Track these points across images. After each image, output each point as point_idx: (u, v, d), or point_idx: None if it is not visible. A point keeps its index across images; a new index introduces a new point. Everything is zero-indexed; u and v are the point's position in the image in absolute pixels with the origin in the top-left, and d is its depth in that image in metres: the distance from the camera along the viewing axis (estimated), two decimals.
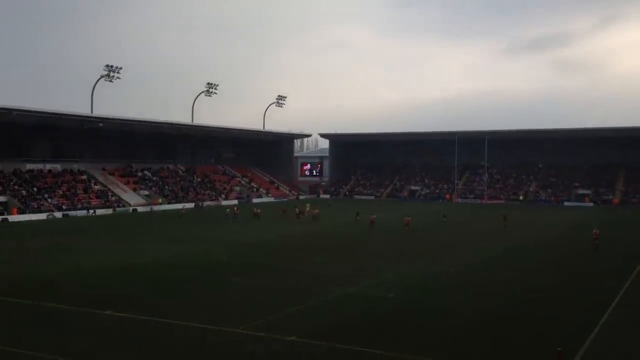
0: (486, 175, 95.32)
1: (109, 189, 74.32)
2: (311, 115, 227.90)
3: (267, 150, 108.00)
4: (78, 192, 70.18)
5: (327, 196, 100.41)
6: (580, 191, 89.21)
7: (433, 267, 30.95)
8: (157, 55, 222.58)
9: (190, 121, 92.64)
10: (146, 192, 77.69)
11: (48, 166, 73.21)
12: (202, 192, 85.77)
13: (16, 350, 16.99)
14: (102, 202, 70.11)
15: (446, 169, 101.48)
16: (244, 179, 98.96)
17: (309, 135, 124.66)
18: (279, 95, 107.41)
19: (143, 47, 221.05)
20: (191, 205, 76.47)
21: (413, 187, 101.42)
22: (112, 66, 79.08)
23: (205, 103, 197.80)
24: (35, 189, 66.87)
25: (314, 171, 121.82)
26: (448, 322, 20.33)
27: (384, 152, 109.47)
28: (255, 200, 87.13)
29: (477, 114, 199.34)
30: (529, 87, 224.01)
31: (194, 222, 57.19)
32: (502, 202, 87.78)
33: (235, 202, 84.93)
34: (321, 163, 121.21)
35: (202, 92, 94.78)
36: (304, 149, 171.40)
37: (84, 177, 74.67)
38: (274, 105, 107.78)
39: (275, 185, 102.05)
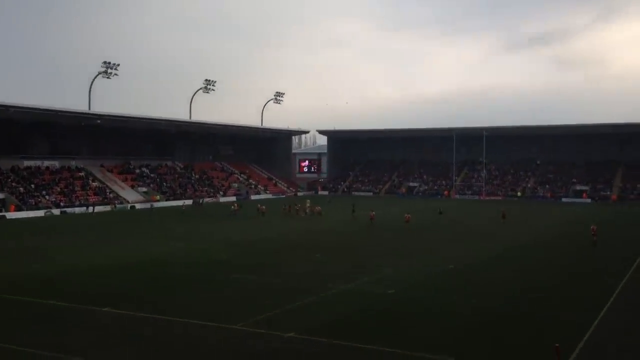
0: (484, 171, 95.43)
1: (107, 185, 74.24)
2: (309, 111, 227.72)
3: (265, 147, 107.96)
4: (76, 189, 70.09)
5: (326, 193, 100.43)
6: (578, 187, 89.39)
7: (432, 264, 30.99)
8: (155, 52, 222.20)
9: (189, 118, 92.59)
10: (144, 189, 77.63)
11: (46, 163, 73.12)
12: (200, 188, 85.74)
13: (15, 348, 16.99)
14: (100, 199, 70.03)
15: (444, 166, 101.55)
16: (242, 175, 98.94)
17: (306, 132, 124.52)
18: (277, 92, 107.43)
19: (140, 43, 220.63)
20: (191, 201, 76.43)
21: (411, 184, 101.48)
22: (109, 62, 78.96)
23: (203, 100, 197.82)
24: (33, 186, 66.77)
25: (312, 168, 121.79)
26: (447, 319, 20.37)
27: (383, 148, 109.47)
28: (253, 197, 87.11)
29: (475, 110, 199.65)
30: (528, 83, 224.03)
31: (194, 219, 57.17)
32: (500, 198, 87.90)
33: (234, 198, 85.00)
34: (319, 159, 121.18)
35: (200, 88, 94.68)
36: (302, 146, 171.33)
37: (82, 174, 74.58)
38: (272, 101, 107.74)
39: (274, 182, 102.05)
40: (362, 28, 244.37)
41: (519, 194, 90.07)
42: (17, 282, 26.26)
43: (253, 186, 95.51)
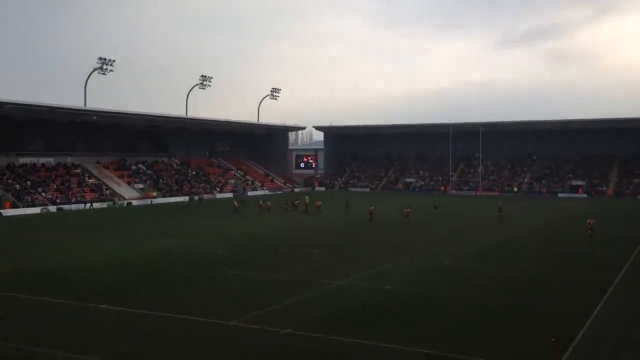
0: (480, 167, 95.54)
1: (103, 182, 74.09)
2: (306, 107, 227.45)
3: (261, 143, 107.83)
4: (72, 185, 69.92)
5: (322, 189, 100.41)
6: (574, 182, 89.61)
7: (429, 259, 31.03)
8: (151, 48, 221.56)
9: (185, 114, 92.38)
10: (140, 186, 77.50)
11: (42, 160, 72.89)
12: (197, 185, 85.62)
13: (11, 344, 16.95)
14: (97, 195, 69.89)
15: (441, 161, 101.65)
16: (238, 172, 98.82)
17: (303, 128, 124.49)
18: (273, 88, 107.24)
19: (136, 39, 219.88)
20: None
21: (408, 179, 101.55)
22: (105, 59, 78.66)
23: (199, 96, 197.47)
24: (29, 183, 66.57)
25: (309, 164, 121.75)
26: (444, 314, 20.42)
27: (379, 144, 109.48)
28: (250, 193, 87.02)
29: (471, 106, 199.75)
30: (523, 78, 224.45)
31: (194, 215, 56.98)
32: (497, 194, 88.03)
33: (231, 195, 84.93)
34: (316, 155, 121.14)
35: (196, 84, 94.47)
36: (299, 142, 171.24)
37: (78, 170, 74.39)
38: (268, 97, 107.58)
39: (270, 178, 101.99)
40: (357, 24, 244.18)
41: (514, 189, 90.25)
42: (13, 279, 26.20)
43: (250, 182, 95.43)
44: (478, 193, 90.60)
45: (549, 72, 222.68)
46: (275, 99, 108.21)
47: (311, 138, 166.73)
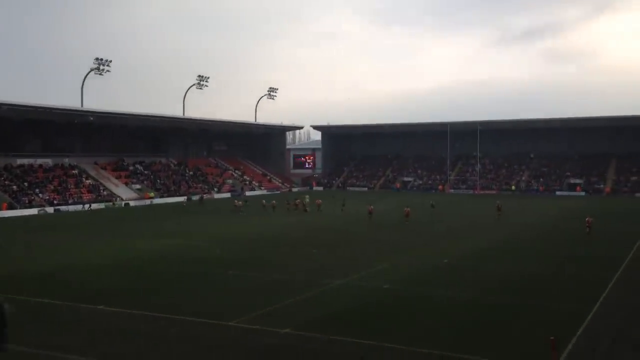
0: (478, 165, 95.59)
1: (100, 183, 73.95)
2: (303, 107, 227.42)
3: (259, 143, 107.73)
4: (69, 186, 69.77)
5: (320, 188, 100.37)
6: (572, 180, 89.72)
7: (427, 258, 31.02)
8: (148, 48, 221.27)
9: (182, 114, 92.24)
10: (138, 186, 77.36)
11: (39, 161, 72.71)
12: (195, 185, 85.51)
13: (11, 347, 16.86)
14: (94, 196, 69.74)
15: (439, 160, 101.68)
16: (236, 172, 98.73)
17: (300, 128, 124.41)
18: (270, 88, 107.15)
19: (133, 40, 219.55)
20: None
21: (406, 179, 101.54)
22: (101, 59, 78.50)
23: (196, 96, 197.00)
24: (26, 184, 66.41)
25: (307, 163, 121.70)
26: (443, 313, 20.41)
27: (377, 143, 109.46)
28: (248, 193, 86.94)
29: (469, 105, 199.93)
30: (521, 77, 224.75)
31: (193, 215, 56.82)
32: (495, 192, 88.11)
33: (229, 195, 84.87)
34: (313, 155, 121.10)
35: (193, 84, 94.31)
36: (296, 141, 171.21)
37: (75, 171, 74.22)
38: (265, 97, 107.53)
39: (268, 177, 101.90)
40: (355, 23, 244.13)
41: (512, 187, 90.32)
42: (11, 280, 26.10)
43: (247, 182, 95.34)
44: (476, 192, 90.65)
45: (547, 71, 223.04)
46: (273, 99, 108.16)
47: (309, 137, 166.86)
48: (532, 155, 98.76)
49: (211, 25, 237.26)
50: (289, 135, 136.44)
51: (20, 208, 60.57)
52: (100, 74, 78.97)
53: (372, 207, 52.40)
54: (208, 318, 19.49)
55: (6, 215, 57.55)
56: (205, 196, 79.13)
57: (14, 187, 64.63)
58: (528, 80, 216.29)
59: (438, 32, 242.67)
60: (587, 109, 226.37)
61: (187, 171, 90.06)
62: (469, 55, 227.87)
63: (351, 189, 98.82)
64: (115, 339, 17.79)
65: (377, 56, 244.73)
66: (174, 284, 25.30)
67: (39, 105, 67.41)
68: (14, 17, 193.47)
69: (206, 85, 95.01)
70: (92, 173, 75.87)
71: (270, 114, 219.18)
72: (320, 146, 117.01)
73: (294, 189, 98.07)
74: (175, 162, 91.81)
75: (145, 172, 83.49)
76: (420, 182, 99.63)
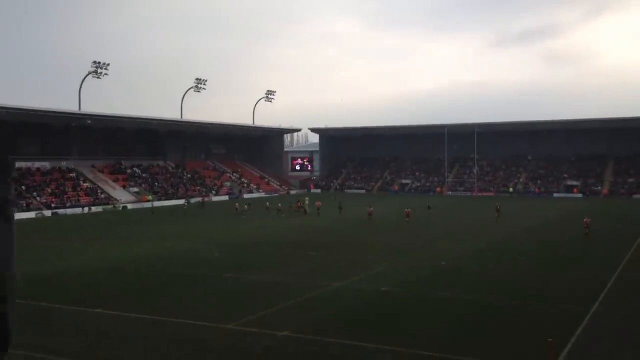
0: (476, 167, 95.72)
1: (98, 186, 73.85)
2: (301, 109, 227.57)
3: (257, 146, 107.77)
4: (67, 190, 69.67)
5: (318, 191, 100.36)
6: (569, 182, 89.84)
7: (425, 260, 31.01)
8: (145, 51, 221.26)
9: (180, 117, 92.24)
10: (136, 189, 77.28)
11: (36, 164, 72.62)
12: (193, 188, 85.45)
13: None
14: (92, 199, 69.64)
15: (436, 162, 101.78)
16: (234, 174, 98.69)
17: (298, 130, 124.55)
18: (268, 90, 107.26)
19: (131, 43, 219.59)
20: (194, 200, 76.26)
21: (404, 181, 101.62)
22: (99, 62, 78.53)
23: (194, 98, 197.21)
24: (23, 187, 66.30)
25: (304, 166, 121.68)
26: (441, 315, 20.39)
27: (375, 145, 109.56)
28: (246, 196, 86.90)
29: (467, 106, 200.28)
30: (519, 78, 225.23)
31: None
32: (492, 194, 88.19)
33: (226, 197, 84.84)
34: (311, 157, 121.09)
35: (191, 87, 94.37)
36: (294, 144, 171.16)
37: (73, 174, 74.12)
38: (263, 100, 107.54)
39: (266, 180, 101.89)
40: (352, 25, 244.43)
41: (510, 189, 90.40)
42: None
43: (245, 185, 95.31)
44: (474, 194, 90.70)
45: (545, 73, 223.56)
46: (270, 101, 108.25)
47: (307, 140, 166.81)
48: (529, 157, 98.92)
49: (208, 27, 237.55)
50: (287, 137, 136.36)
51: (17, 211, 60.43)
52: (97, 77, 79.04)
53: (371, 208, 52.49)
54: (206, 321, 19.44)
55: None
56: (199, 199, 79.02)
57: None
58: (526, 82, 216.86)
59: (436, 34, 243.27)
60: (585, 110, 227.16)
61: (185, 174, 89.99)
62: (467, 57, 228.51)
63: (349, 191, 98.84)
64: (113, 342, 17.74)
65: (375, 57, 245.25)
66: (172, 287, 25.24)
67: (37, 109, 67.40)
68: (10, 20, 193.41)
69: (204, 88, 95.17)
70: (90, 176, 75.79)
71: (268, 117, 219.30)
72: (318, 148, 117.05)
73: (292, 192, 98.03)
74: (173, 165, 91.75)
75: (143, 175, 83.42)
76: (418, 184, 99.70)
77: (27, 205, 62.73)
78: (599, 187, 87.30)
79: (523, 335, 17.94)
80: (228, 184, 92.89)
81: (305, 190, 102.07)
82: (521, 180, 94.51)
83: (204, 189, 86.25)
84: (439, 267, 29.09)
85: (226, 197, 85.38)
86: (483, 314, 20.53)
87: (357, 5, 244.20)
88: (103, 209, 67.66)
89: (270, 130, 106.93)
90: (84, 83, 79.32)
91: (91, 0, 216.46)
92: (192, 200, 76.11)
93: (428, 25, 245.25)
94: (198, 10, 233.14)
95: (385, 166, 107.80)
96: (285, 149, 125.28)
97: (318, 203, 59.60)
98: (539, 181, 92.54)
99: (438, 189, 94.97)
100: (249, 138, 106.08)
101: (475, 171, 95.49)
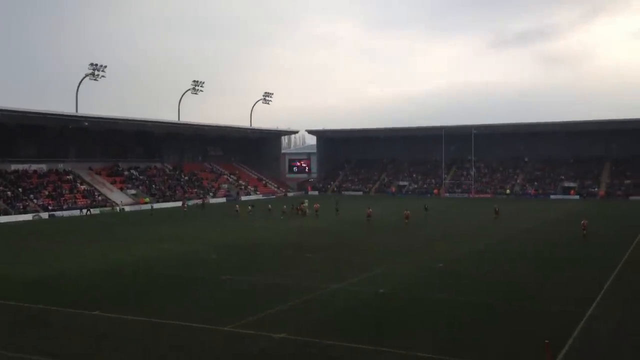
0: (473, 169, 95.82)
1: (95, 188, 73.73)
2: (298, 111, 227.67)
3: (254, 148, 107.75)
4: (64, 192, 69.54)
5: (316, 192, 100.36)
6: (566, 184, 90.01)
7: (423, 262, 31.04)
8: (143, 53, 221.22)
9: (177, 119, 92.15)
10: (133, 191, 77.17)
11: (33, 166, 72.45)
12: (190, 190, 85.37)
13: (3, 353, 16.80)
14: (89, 201, 69.50)
15: (434, 164, 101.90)
16: (231, 176, 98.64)
17: (296, 132, 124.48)
18: (265, 92, 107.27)
19: (128, 45, 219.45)
20: (198, 201, 76.11)
21: (401, 183, 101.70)
22: (96, 64, 78.44)
23: (191, 101, 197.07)
24: (20, 189, 66.16)
25: (302, 168, 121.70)
26: (438, 317, 20.41)
27: (372, 147, 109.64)
28: (243, 198, 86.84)
29: (464, 108, 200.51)
30: (515, 80, 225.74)
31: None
32: (489, 196, 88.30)
33: (224, 199, 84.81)
34: (309, 159, 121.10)
35: (188, 89, 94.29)
36: (292, 146, 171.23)
37: (70, 177, 73.99)
38: (260, 102, 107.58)
39: (263, 182, 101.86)
40: (349, 27, 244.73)
41: (507, 191, 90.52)
42: (5, 286, 25.96)
43: (243, 187, 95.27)
44: (470, 195, 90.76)
45: (542, 74, 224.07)
46: (268, 103, 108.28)
47: (304, 142, 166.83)
48: (526, 159, 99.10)
49: (206, 29, 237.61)
50: (284, 139, 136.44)
51: (14, 214, 60.29)
52: (95, 79, 78.92)
53: (370, 210, 52.59)
54: (203, 323, 19.43)
55: (0, 221, 57.26)
56: (197, 202, 78.85)
57: (9, 192, 64.36)
58: (523, 84, 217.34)
59: (434, 35, 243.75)
60: (582, 112, 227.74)
61: (183, 176, 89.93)
62: (464, 59, 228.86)
63: (346, 193, 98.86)
64: (111, 345, 17.71)
65: (372, 60, 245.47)
66: (170, 289, 25.21)
67: (34, 111, 67.27)
68: (7, 23, 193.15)
69: (201, 90, 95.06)
70: (87, 178, 75.67)
71: (265, 119, 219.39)
72: (315, 150, 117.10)
73: (289, 194, 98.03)
74: (171, 167, 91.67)
75: (141, 177, 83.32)
76: (416, 186, 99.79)
77: (24, 207, 62.59)
78: (596, 189, 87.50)
79: (520, 337, 17.97)
80: (225, 186, 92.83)
81: (303, 192, 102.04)
82: (518, 181, 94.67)
83: (201, 191, 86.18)
84: (437, 269, 29.11)
85: (224, 200, 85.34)
86: (480, 315, 20.56)
87: (355, 6, 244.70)
88: (101, 211, 67.50)
89: (267, 132, 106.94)
90: (81, 85, 79.26)
91: (88, 2, 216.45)
92: (190, 203, 75.98)
93: (426, 27, 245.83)
94: (196, 12, 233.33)
95: (383, 168, 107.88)
96: (283, 151, 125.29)
97: (316, 205, 59.63)
98: (535, 183, 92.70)
99: (435, 191, 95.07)
100: (246, 140, 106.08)
101: (472, 173, 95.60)
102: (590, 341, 17.61)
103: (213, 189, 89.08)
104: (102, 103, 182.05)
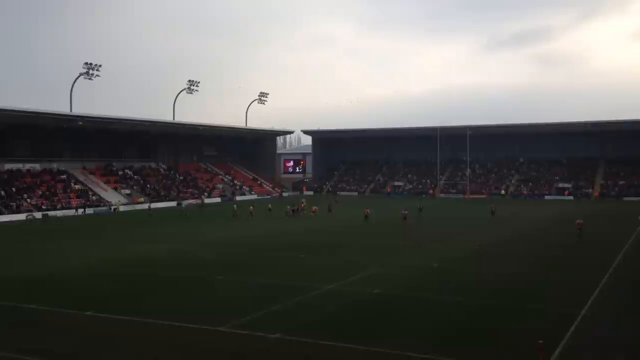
0: (468, 170, 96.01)
1: (89, 188, 73.46)
2: (294, 111, 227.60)
3: (249, 148, 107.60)
4: (58, 192, 69.24)
5: (311, 193, 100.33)
6: (561, 185, 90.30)
7: (417, 262, 31.06)
8: (138, 53, 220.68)
9: (172, 119, 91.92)
10: (127, 191, 76.92)
11: (27, 166, 72.12)
12: (185, 190, 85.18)
13: None
14: (84, 201, 69.22)
15: (429, 165, 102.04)
16: (226, 176, 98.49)
17: (291, 132, 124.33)
18: (261, 92, 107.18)
19: (123, 44, 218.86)
20: (192, 201, 75.89)
21: (396, 183, 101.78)
22: (91, 64, 78.17)
23: (187, 100, 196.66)
24: (13, 189, 65.83)
25: (297, 168, 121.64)
26: (432, 317, 20.41)
27: (367, 148, 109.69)
28: (238, 198, 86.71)
29: (459, 109, 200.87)
30: (511, 81, 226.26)
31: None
32: (485, 196, 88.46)
33: (219, 199, 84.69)
34: (304, 160, 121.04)
35: (184, 89, 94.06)
36: (287, 146, 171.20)
37: (64, 176, 73.67)
38: (256, 102, 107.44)
39: (259, 182, 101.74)
40: (345, 27, 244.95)
41: (502, 192, 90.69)
42: None
43: (238, 187, 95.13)
44: (465, 196, 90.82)
45: (537, 75, 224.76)
46: (263, 104, 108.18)
47: (299, 142, 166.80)
48: (521, 160, 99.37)
49: (201, 29, 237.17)
50: (280, 139, 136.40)
51: (7, 214, 59.99)
52: (89, 79, 78.66)
53: (368, 210, 52.71)
54: (197, 323, 19.36)
55: None
56: (193, 201, 78.67)
57: (2, 192, 64.04)
58: (518, 85, 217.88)
59: (428, 37, 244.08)
60: (577, 113, 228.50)
61: (178, 176, 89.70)
62: (459, 60, 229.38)
63: (341, 193, 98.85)
64: (104, 345, 17.62)
65: (368, 60, 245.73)
66: (164, 290, 25.12)
67: (28, 110, 66.93)
68: (1, 22, 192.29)
69: (196, 90, 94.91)
70: (81, 178, 75.38)
71: (261, 119, 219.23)
72: (310, 151, 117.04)
73: (285, 194, 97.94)
74: (165, 167, 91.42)
75: (135, 177, 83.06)
76: (411, 186, 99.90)
77: (18, 207, 62.29)
78: (590, 190, 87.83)
79: (514, 337, 17.99)
80: (220, 186, 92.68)
81: (298, 192, 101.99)
82: (513, 182, 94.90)
83: (196, 191, 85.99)
84: (431, 269, 29.14)
85: (219, 200, 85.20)
86: (474, 315, 20.57)
87: (351, 7, 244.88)
88: (94, 210, 67.22)
89: (262, 132, 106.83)
90: (75, 84, 78.95)
91: (83, 2, 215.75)
92: (185, 203, 75.70)
93: (421, 28, 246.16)
94: (191, 11, 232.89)
95: (378, 168, 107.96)
96: (278, 151, 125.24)
97: (315, 207, 59.62)
98: (530, 184, 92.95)
99: (430, 192, 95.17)
100: (241, 140, 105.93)
101: (467, 174, 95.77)
102: (584, 341, 17.64)
103: (208, 189, 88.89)
104: (97, 102, 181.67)
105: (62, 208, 65.38)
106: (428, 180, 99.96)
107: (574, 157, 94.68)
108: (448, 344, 17.43)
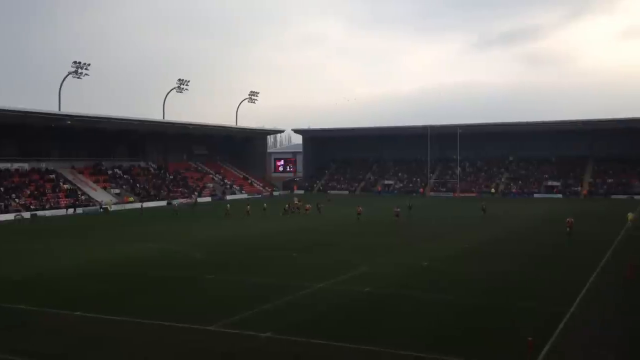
0: (458, 168, 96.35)
1: (78, 187, 72.95)
2: (285, 110, 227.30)
3: (240, 147, 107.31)
4: (47, 191, 68.71)
5: (302, 192, 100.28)
6: (550, 183, 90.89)
7: (408, 261, 31.12)
8: (127, 51, 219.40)
9: (162, 118, 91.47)
10: (117, 191, 76.47)
11: (15, 165, 71.48)
12: (175, 189, 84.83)
13: None
14: (73, 200, 68.76)
15: (419, 163, 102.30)
16: (217, 175, 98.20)
17: (282, 131, 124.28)
18: (251, 91, 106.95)
19: (112, 43, 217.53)
20: (183, 201, 75.51)
21: (387, 182, 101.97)
22: (80, 62, 77.62)
23: (177, 99, 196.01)
24: (2, 189, 65.25)
25: (288, 167, 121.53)
26: (423, 315, 20.46)
27: (358, 146, 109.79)
28: (228, 197, 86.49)
29: (449, 108, 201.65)
30: (500, 80, 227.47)
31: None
32: (475, 195, 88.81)
33: (209, 199, 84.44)
34: (295, 158, 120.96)
35: (173, 88, 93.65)
36: (277, 145, 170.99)
37: (53, 176, 73.12)
38: (246, 101, 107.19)
39: (249, 181, 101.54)
40: (336, 26, 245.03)
41: (492, 190, 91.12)
42: None
43: (229, 186, 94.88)
44: (455, 195, 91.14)
45: (526, 74, 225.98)
46: (254, 102, 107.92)
47: (290, 141, 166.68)
48: (511, 159, 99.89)
49: (191, 28, 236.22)
50: (270, 138, 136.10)
51: None
52: (78, 78, 78.12)
53: (360, 208, 52.82)
54: (187, 323, 19.28)
55: None
56: (184, 201, 78.33)
57: None
58: (507, 84, 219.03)
59: (418, 36, 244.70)
60: (566, 111, 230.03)
61: (167, 175, 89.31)
62: (449, 59, 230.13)
63: (332, 192, 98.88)
64: (93, 345, 17.50)
65: (358, 59, 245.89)
66: (154, 289, 25.00)
67: (16, 109, 66.32)
68: None
69: (186, 89, 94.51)
70: (70, 177, 74.84)
71: (251, 118, 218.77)
72: (301, 150, 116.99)
73: (275, 193, 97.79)
74: (155, 166, 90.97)
75: (125, 176, 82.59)
76: (401, 185, 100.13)
77: (6, 207, 61.74)
78: (579, 188, 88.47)
79: (503, 335, 18.07)
80: (210, 185, 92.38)
81: (289, 191, 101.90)
82: (502, 181, 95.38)
83: (186, 190, 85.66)
84: (421, 268, 29.20)
85: (209, 199, 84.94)
86: (465, 314, 20.64)
87: (341, 6, 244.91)
88: (83, 210, 66.79)
89: (253, 131, 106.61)
90: (64, 83, 78.40)
91: (74, 0, 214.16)
92: (177, 202, 75.26)
93: (411, 27, 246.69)
94: (181, 10, 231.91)
95: (369, 167, 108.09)
96: (269, 150, 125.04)
97: (308, 206, 59.75)
98: (520, 182, 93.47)
99: (421, 190, 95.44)
100: (231, 139, 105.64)
101: (457, 172, 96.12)
102: (573, 339, 17.75)
103: (198, 189, 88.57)
104: (86, 101, 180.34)
105: (51, 208, 64.89)
106: (418, 179, 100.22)
107: (563, 156, 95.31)
108: (438, 342, 17.46)
